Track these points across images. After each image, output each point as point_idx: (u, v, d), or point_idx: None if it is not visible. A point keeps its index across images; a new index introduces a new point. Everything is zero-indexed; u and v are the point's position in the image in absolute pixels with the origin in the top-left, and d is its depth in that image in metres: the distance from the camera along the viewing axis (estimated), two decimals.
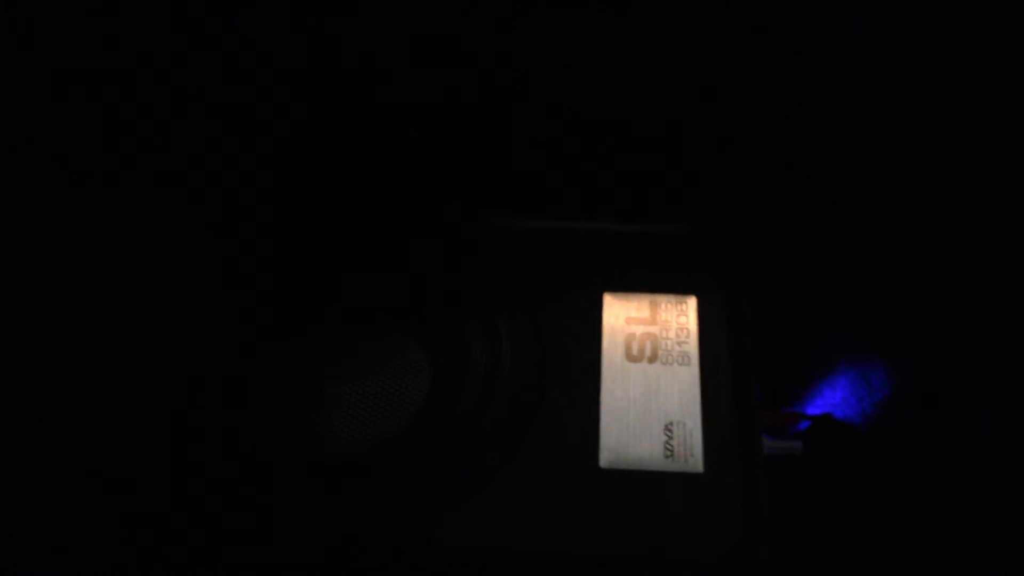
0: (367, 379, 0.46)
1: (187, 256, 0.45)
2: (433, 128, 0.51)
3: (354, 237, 0.51)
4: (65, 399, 0.37)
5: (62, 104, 0.35)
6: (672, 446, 0.42)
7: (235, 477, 0.43)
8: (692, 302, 0.47)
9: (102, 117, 0.37)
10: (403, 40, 0.47)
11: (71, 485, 0.37)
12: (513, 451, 0.43)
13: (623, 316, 0.47)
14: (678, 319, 0.46)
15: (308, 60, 0.48)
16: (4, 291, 0.33)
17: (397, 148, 0.52)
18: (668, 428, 0.43)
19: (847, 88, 0.44)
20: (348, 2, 0.44)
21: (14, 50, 0.31)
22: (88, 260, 0.38)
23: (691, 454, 0.42)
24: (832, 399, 0.48)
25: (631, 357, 0.45)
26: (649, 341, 0.46)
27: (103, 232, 0.39)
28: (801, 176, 0.48)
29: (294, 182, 0.52)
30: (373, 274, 0.50)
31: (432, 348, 0.47)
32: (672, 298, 0.47)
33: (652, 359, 0.45)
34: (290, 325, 0.48)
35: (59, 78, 0.34)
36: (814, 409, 0.49)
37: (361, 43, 0.47)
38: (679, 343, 0.46)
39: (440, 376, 0.46)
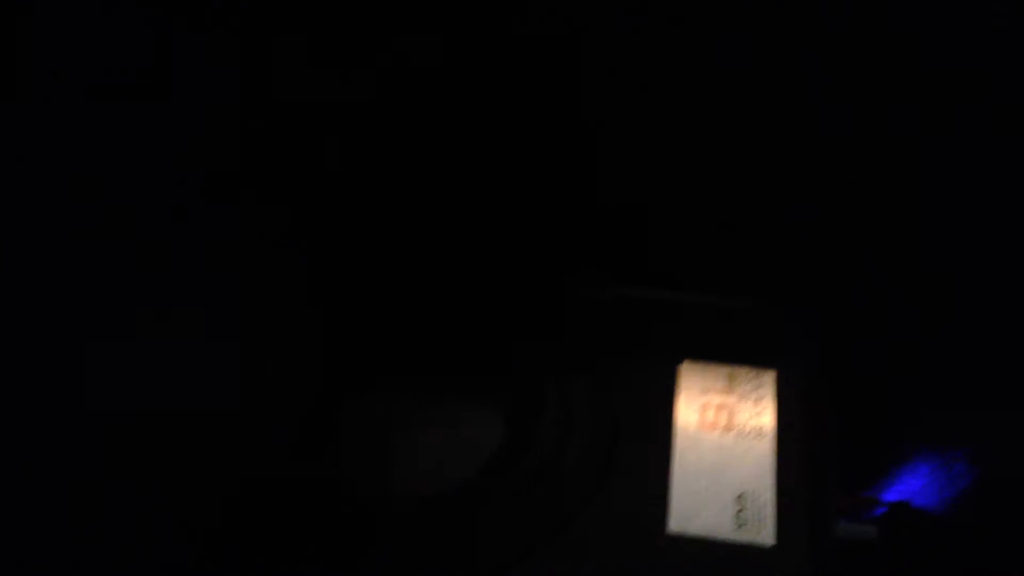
0: (438, 430, 0.47)
1: (264, 301, 0.47)
2: (522, 190, 0.53)
3: (441, 289, 0.52)
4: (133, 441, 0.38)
5: None
6: (744, 517, 0.42)
7: (304, 528, 0.44)
8: (771, 376, 0.47)
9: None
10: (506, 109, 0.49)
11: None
12: (580, 510, 0.43)
13: (700, 385, 0.47)
14: (756, 391, 0.46)
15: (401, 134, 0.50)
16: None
17: (488, 207, 0.53)
18: (740, 499, 0.43)
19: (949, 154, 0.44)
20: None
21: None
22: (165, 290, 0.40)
23: (763, 526, 0.42)
24: (912, 486, 0.47)
25: (705, 426, 0.45)
26: (725, 411, 0.46)
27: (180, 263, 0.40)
28: (892, 252, 0.48)
29: (375, 229, 0.54)
30: (456, 327, 0.51)
31: (508, 404, 0.48)
32: (751, 370, 0.47)
33: (727, 429, 0.45)
34: (366, 372, 0.50)
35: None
36: (892, 495, 0.48)
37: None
38: (755, 415, 0.45)
39: (513, 432, 0.47)
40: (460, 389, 0.49)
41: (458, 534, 0.43)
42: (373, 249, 0.53)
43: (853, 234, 0.48)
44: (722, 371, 0.47)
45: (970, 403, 0.45)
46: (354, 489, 0.46)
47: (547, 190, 0.52)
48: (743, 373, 0.47)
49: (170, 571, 0.41)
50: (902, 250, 0.47)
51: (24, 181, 0.31)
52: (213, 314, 0.43)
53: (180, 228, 0.40)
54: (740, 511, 0.42)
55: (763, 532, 0.41)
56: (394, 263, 0.53)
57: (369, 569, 0.43)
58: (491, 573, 0.41)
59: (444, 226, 0.53)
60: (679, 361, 0.48)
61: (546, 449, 0.45)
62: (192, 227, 0.40)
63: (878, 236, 0.47)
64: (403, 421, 0.48)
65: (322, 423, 0.48)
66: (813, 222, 0.49)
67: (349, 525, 0.44)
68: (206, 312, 0.42)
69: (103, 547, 0.36)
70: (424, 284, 0.53)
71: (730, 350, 0.48)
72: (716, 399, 0.46)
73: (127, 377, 0.37)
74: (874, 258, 0.48)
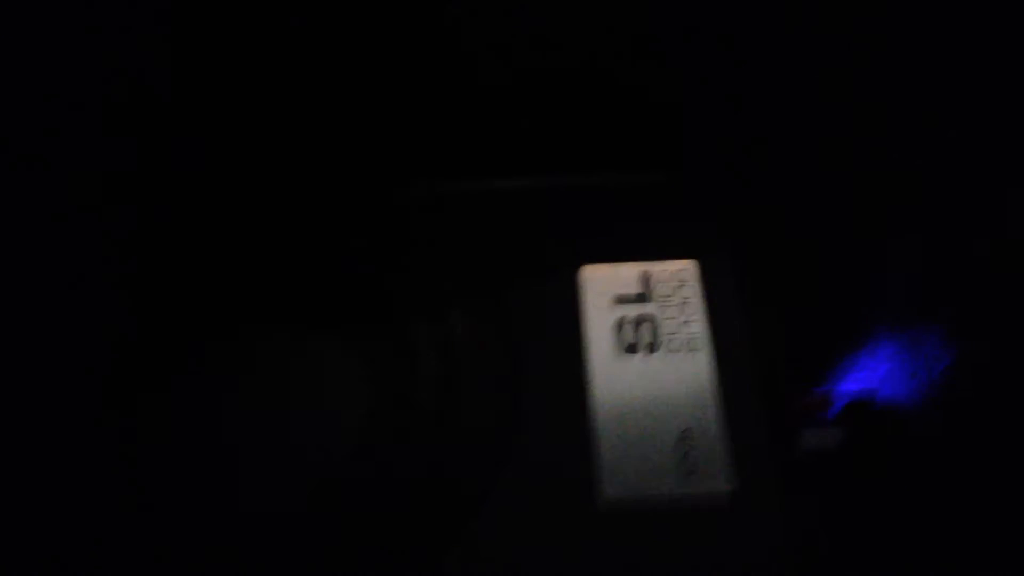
0: (289, 406, 0.36)
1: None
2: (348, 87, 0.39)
3: (266, 227, 0.39)
4: None
5: None
6: (692, 459, 0.33)
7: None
8: (692, 268, 0.37)
9: None
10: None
11: None
12: (487, 489, 0.33)
13: (609, 295, 0.37)
14: (679, 291, 0.37)
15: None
16: None
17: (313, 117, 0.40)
18: (684, 435, 0.33)
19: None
20: None
21: None
22: None
23: (716, 466, 0.33)
24: (876, 373, 0.39)
25: (626, 348, 0.35)
26: (647, 324, 0.36)
27: None
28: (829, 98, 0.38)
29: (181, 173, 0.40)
30: (294, 273, 0.38)
31: (372, 360, 0.36)
32: (668, 265, 0.37)
33: (653, 347, 0.35)
34: (201, 343, 0.37)
35: None
36: (852, 386, 0.40)
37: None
38: (684, 323, 0.36)
39: (384, 396, 0.36)
40: (309, 351, 0.37)
41: (332, 533, 0.33)
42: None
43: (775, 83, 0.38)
44: (633, 272, 0.37)
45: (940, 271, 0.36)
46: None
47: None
48: (659, 270, 0.37)
49: None
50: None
51: None
52: None
53: None
54: (687, 453, 0.33)
55: (717, 476, 0.32)
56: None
57: None
58: None
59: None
60: (579, 266, 0.37)
61: (426, 418, 0.34)
62: None
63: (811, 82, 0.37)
64: (246, 398, 0.36)
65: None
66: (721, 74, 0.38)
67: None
68: None
69: None
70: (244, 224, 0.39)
71: (638, 243, 0.38)
72: (633, 310, 0.36)
73: None
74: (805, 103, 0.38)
